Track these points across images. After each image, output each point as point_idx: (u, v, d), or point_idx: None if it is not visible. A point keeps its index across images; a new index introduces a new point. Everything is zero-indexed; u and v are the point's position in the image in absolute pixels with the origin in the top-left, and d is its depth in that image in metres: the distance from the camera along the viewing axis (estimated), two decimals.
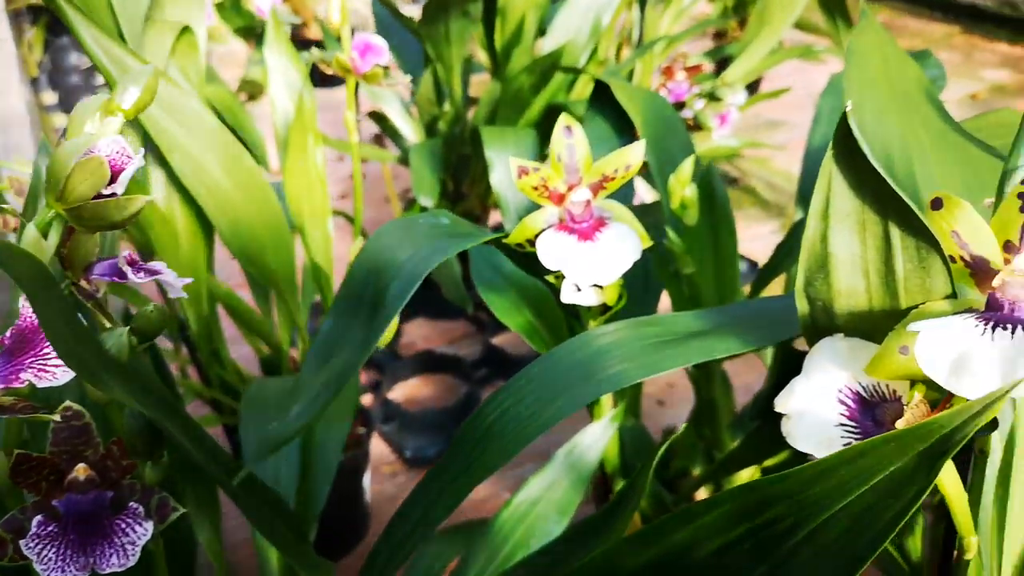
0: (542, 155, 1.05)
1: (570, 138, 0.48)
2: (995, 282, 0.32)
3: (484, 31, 1.02)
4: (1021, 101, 1.79)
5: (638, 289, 0.74)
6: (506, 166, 0.84)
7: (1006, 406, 0.37)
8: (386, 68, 0.74)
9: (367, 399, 1.09)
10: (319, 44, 1.30)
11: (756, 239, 1.34)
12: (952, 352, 0.30)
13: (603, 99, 0.79)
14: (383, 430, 1.05)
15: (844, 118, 0.30)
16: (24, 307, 0.31)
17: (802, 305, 0.36)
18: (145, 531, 0.33)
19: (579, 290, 0.50)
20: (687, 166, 0.55)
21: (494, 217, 1.26)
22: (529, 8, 0.96)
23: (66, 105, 1.98)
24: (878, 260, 0.34)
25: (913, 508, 0.24)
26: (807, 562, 0.28)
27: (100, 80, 2.05)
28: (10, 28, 2.02)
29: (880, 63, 0.50)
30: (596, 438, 0.58)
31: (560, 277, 0.50)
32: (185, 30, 0.63)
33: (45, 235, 0.30)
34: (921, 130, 0.48)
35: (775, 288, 0.73)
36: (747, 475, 0.68)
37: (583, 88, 1.05)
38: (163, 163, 0.63)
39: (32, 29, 2.24)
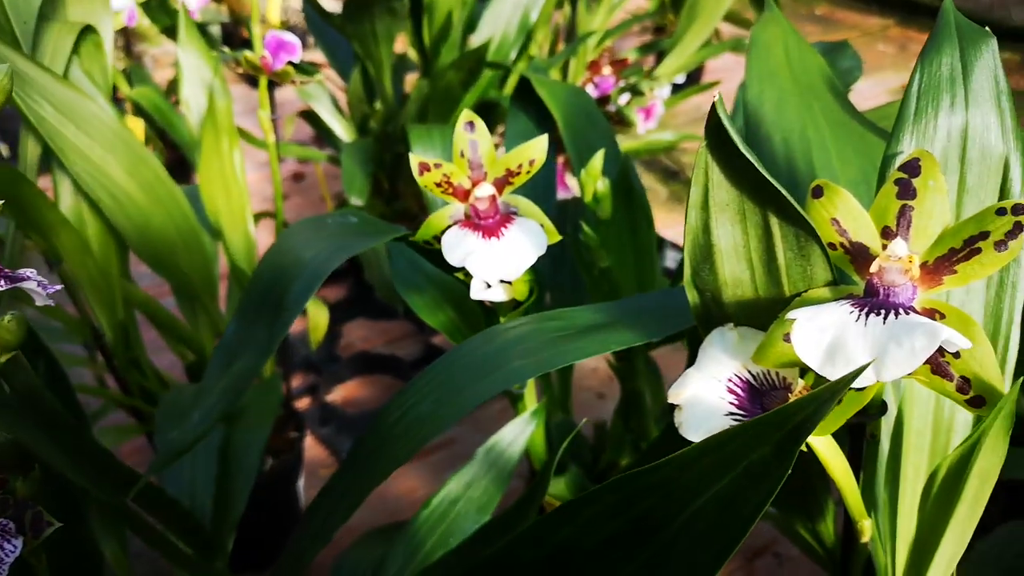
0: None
1: (472, 133, 0.48)
2: (872, 268, 0.32)
3: (412, 28, 1.01)
4: None
5: (567, 284, 0.75)
6: None
7: (888, 389, 0.38)
8: (313, 66, 0.73)
9: (304, 402, 1.08)
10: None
11: None
12: (826, 339, 0.30)
13: (526, 95, 0.78)
14: (321, 433, 1.03)
15: (713, 109, 0.30)
16: None
17: (692, 295, 0.36)
18: (14, 548, 0.31)
19: (488, 287, 0.50)
20: (597, 160, 0.54)
21: None
22: (455, 5, 0.95)
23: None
24: (760, 249, 0.34)
25: (773, 494, 0.24)
26: (685, 551, 0.28)
27: None
28: None
29: (782, 54, 0.51)
30: (516, 435, 0.57)
31: (468, 274, 0.50)
32: (88, 30, 0.61)
33: None
34: (821, 119, 0.48)
35: None
36: None
37: (515, 83, 1.05)
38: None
39: None
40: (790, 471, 0.24)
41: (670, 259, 1.20)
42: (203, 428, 0.45)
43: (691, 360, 0.59)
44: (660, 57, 1.40)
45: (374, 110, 1.08)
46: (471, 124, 0.48)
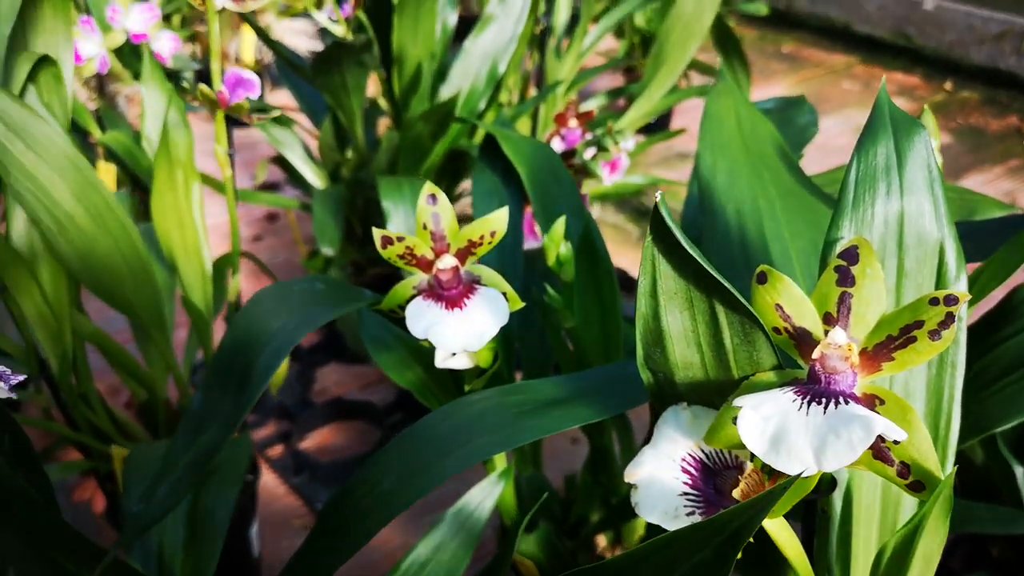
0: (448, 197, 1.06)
1: (434, 206, 0.49)
2: (815, 354, 0.33)
3: (382, 78, 1.03)
4: None
5: (534, 342, 0.75)
6: (403, 217, 0.84)
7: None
8: (271, 107, 0.73)
9: (276, 450, 1.07)
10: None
11: None
12: (770, 429, 0.31)
13: (493, 150, 0.80)
14: (293, 482, 1.03)
15: (656, 209, 0.31)
16: None
17: (646, 376, 0.37)
18: None
19: (453, 355, 0.51)
20: (559, 226, 0.56)
21: None
22: (424, 56, 0.97)
23: None
24: (708, 334, 0.35)
25: None
26: None
27: None
28: None
29: (734, 125, 0.52)
30: (484, 496, 0.58)
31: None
32: (46, 60, 0.60)
33: None
34: (772, 189, 0.50)
35: None
36: (643, 521, 0.69)
37: (483, 132, 1.06)
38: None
39: None
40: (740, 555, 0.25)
41: None
42: (170, 503, 0.45)
43: (649, 430, 0.60)
44: (630, 100, 1.43)
45: (345, 158, 1.09)
46: (433, 197, 0.49)
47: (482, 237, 0.49)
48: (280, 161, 1.17)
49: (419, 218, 0.49)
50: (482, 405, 0.44)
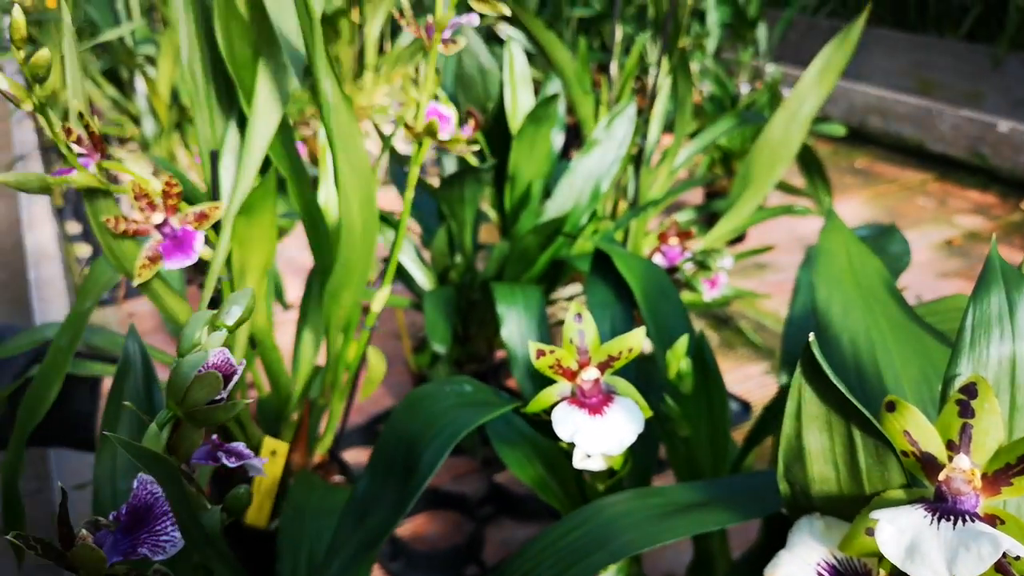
0: (548, 302, 1.13)
1: (580, 324, 0.56)
2: (941, 476, 0.38)
3: (494, 194, 1.13)
4: (988, 247, 1.89)
5: (637, 440, 0.81)
6: (516, 321, 0.92)
7: None
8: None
9: None
10: None
11: (747, 379, 1.41)
12: (906, 539, 0.36)
13: (603, 265, 0.87)
14: (390, 567, 1.08)
15: (808, 347, 0.37)
16: (136, 488, 0.37)
17: (784, 487, 0.43)
18: None
19: (588, 457, 0.57)
20: (681, 344, 0.62)
21: (498, 355, 1.33)
22: (536, 175, 1.07)
23: (88, 234, 2.07)
24: (844, 454, 0.40)
25: None
26: None
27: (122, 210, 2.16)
28: (41, 166, 2.15)
29: (845, 261, 0.59)
30: None
31: (572, 444, 0.57)
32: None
33: (162, 429, 0.37)
34: (883, 321, 0.56)
35: (766, 446, 0.79)
36: None
37: (582, 243, 1.14)
38: None
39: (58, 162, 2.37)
40: None
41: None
42: None
43: (766, 536, 0.64)
44: (713, 216, 1.50)
45: (454, 263, 1.18)
46: (579, 316, 0.56)
47: (620, 353, 0.56)
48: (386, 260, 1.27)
49: (566, 333, 0.56)
50: (623, 506, 0.50)
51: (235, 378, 0.37)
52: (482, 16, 0.93)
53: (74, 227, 2.17)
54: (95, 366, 0.81)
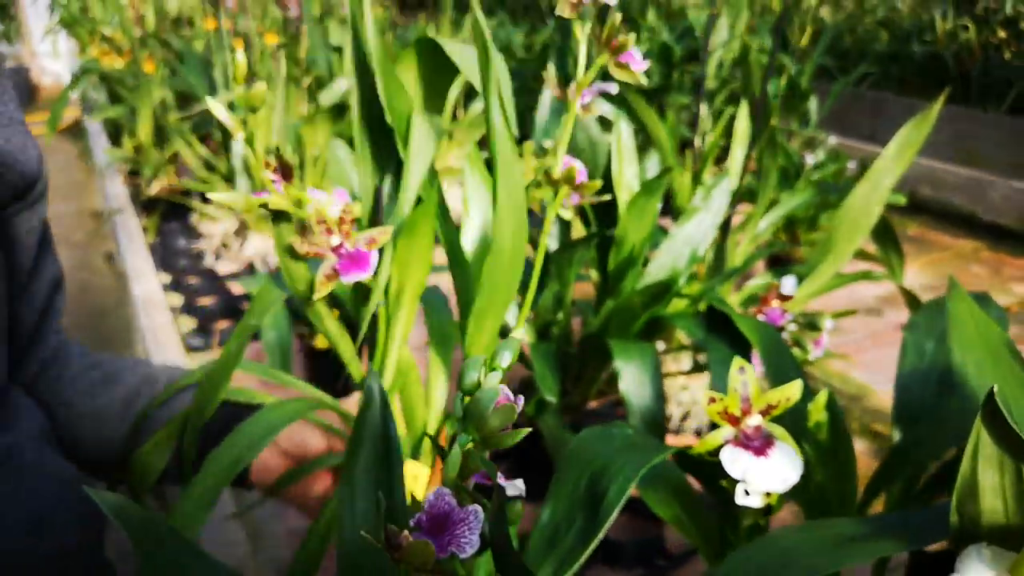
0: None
1: (743, 375, 0.64)
2: None
3: (597, 256, 1.22)
4: None
5: None
6: (632, 374, 1.00)
7: None
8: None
9: None
10: None
11: None
12: None
13: (717, 324, 0.95)
14: None
15: (991, 394, 0.45)
16: (433, 500, 0.45)
17: (954, 519, 0.50)
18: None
19: (747, 494, 0.64)
20: (822, 397, 0.70)
21: (590, 405, 1.40)
22: (640, 241, 1.15)
23: (177, 285, 2.19)
24: (1013, 490, 0.48)
25: None
26: None
27: (206, 263, 2.28)
28: (136, 218, 2.28)
29: (973, 326, 0.66)
30: None
31: (733, 484, 0.64)
32: None
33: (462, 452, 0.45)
34: (1010, 378, 0.63)
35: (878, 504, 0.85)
36: None
37: (676, 303, 1.23)
38: None
39: (146, 216, 2.51)
40: None
41: None
42: None
43: (914, 570, 0.71)
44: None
45: (556, 318, 1.26)
46: (742, 369, 0.64)
47: (779, 401, 0.63)
48: None
49: (730, 383, 0.64)
50: (793, 539, 0.56)
51: (517, 408, 0.45)
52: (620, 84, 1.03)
53: (163, 278, 2.30)
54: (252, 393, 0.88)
